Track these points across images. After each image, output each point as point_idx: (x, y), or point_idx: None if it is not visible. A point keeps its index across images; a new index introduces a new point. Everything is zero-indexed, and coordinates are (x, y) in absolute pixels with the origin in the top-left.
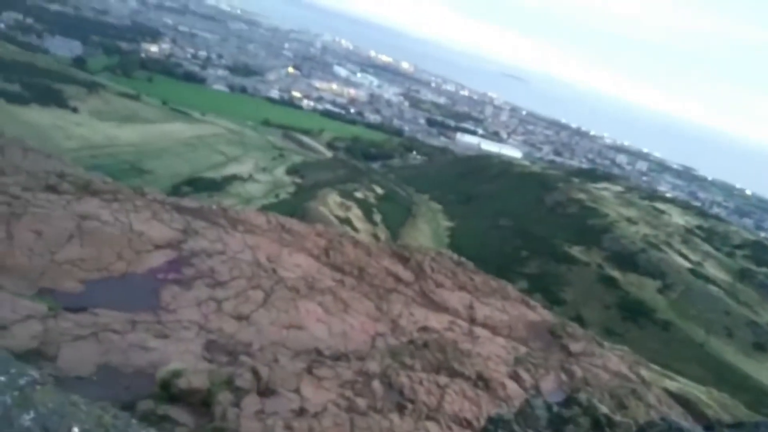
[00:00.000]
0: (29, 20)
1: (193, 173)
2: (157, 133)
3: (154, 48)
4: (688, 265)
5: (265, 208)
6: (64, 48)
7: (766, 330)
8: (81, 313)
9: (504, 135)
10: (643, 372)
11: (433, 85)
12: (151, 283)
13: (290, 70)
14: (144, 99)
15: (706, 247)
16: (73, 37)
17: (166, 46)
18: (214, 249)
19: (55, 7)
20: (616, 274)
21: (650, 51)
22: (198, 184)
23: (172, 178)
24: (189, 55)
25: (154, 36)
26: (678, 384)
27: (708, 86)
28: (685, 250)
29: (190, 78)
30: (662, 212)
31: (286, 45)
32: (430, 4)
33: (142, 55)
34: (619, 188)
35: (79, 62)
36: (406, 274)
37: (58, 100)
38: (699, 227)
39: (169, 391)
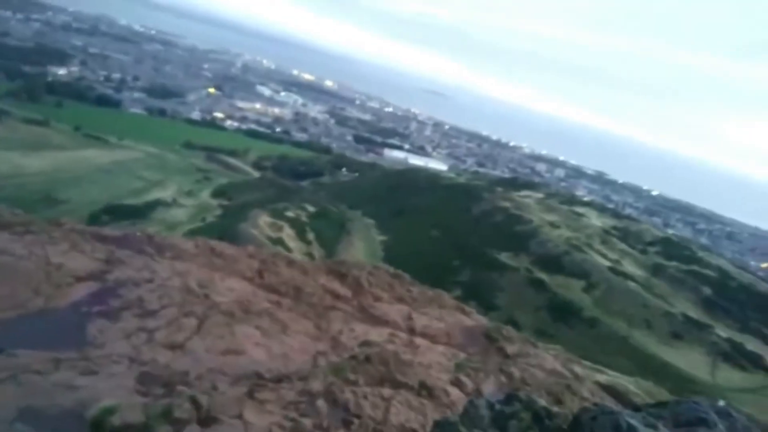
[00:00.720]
0: None
1: (113, 200)
2: (71, 161)
3: (62, 71)
4: (607, 263)
5: (192, 233)
6: None
7: (680, 320)
8: None
9: (429, 149)
10: (576, 368)
11: (357, 102)
12: (75, 318)
13: (211, 90)
14: (53, 125)
15: (623, 246)
16: None
17: (75, 68)
18: (141, 277)
19: None
20: (543, 276)
21: (563, 67)
22: (118, 212)
23: (90, 207)
24: (102, 78)
25: (62, 58)
26: (607, 376)
27: (614, 97)
28: (604, 250)
29: (103, 102)
30: (581, 215)
31: (206, 65)
32: (349, 24)
33: (49, 78)
34: (540, 195)
35: None
36: (344, 290)
37: None
38: (615, 228)
39: (102, 430)
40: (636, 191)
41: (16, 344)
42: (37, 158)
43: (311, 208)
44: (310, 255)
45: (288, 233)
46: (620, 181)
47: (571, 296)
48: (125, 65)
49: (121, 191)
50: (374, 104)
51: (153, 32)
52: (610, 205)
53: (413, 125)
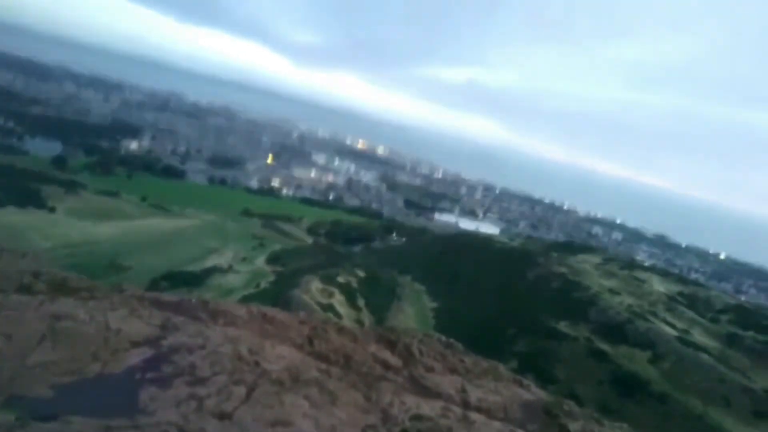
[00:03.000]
0: (10, 124)
1: (172, 267)
2: (136, 229)
3: (134, 145)
4: (675, 333)
5: (246, 299)
6: (44, 149)
7: (762, 396)
8: (51, 421)
9: (480, 213)
10: None
11: (408, 167)
12: (128, 384)
13: (269, 160)
14: (123, 196)
15: (691, 314)
16: (53, 137)
17: (146, 142)
18: (194, 344)
19: (36, 109)
20: (605, 347)
21: (614, 127)
22: (177, 278)
23: (151, 273)
24: (169, 151)
25: (135, 133)
26: None
27: (672, 158)
28: (670, 318)
29: (169, 172)
30: (643, 281)
31: (265, 136)
32: (402, 93)
33: (122, 152)
34: (598, 260)
35: (58, 162)
36: (394, 360)
37: (35, 201)
38: (680, 294)
39: None
40: (702, 255)
41: (71, 410)
42: (106, 227)
43: (362, 274)
44: (360, 321)
45: (338, 299)
46: (683, 244)
47: (637, 368)
48: (191, 138)
49: (181, 258)
50: (424, 169)
51: (217, 106)
52: (674, 270)
53: (463, 189)
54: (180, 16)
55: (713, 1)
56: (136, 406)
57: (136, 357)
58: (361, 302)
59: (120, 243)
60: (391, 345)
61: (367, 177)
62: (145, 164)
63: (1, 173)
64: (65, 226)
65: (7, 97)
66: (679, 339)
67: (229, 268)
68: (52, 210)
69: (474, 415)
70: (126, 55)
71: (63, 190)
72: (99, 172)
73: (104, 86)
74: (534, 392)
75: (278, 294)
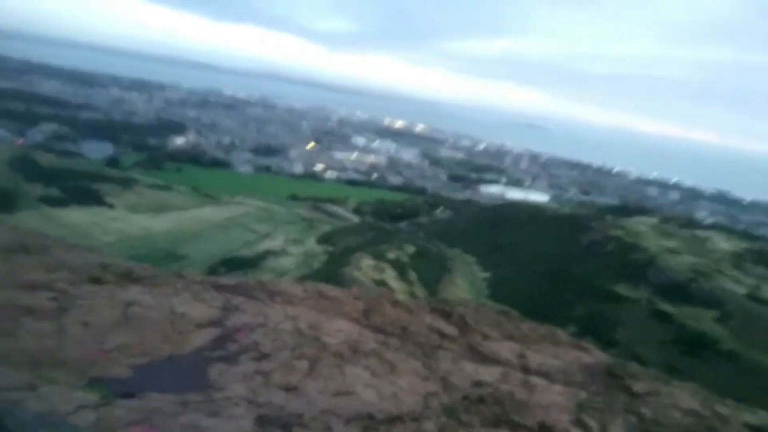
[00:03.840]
0: (65, 129)
1: (227, 254)
2: (190, 219)
3: (180, 140)
4: (743, 290)
5: (301, 279)
6: (97, 150)
7: None
8: (132, 399)
9: (527, 181)
10: (718, 407)
11: (449, 142)
12: (198, 363)
13: (310, 145)
14: (175, 188)
15: (760, 270)
16: (105, 139)
17: (190, 137)
18: (255, 322)
19: (87, 114)
20: (668, 307)
21: (660, 86)
22: (233, 263)
23: (208, 261)
24: (213, 143)
25: (179, 129)
26: (758, 417)
27: (721, 112)
28: (738, 276)
29: (216, 164)
30: (705, 239)
31: (304, 123)
32: (438, 68)
33: (169, 148)
34: (654, 220)
35: (111, 162)
36: (450, 329)
37: (95, 199)
38: (747, 250)
39: None
40: (767, 210)
41: (149, 388)
42: (162, 219)
43: (411, 249)
44: (413, 295)
45: (390, 274)
46: (746, 199)
47: (703, 328)
48: (233, 130)
49: (235, 244)
50: (466, 143)
51: (256, 98)
52: (739, 227)
53: (508, 159)
54: (216, 16)
55: None
56: (207, 382)
57: (202, 337)
58: (412, 276)
59: (176, 233)
60: (446, 315)
61: (409, 155)
62: (192, 158)
63: (62, 176)
64: (124, 220)
65: (59, 106)
66: (748, 296)
67: (282, 251)
68: (111, 206)
69: (534, 379)
70: (165, 57)
71: (119, 187)
72: (150, 168)
73: (147, 88)
74: (595, 355)
75: (331, 273)
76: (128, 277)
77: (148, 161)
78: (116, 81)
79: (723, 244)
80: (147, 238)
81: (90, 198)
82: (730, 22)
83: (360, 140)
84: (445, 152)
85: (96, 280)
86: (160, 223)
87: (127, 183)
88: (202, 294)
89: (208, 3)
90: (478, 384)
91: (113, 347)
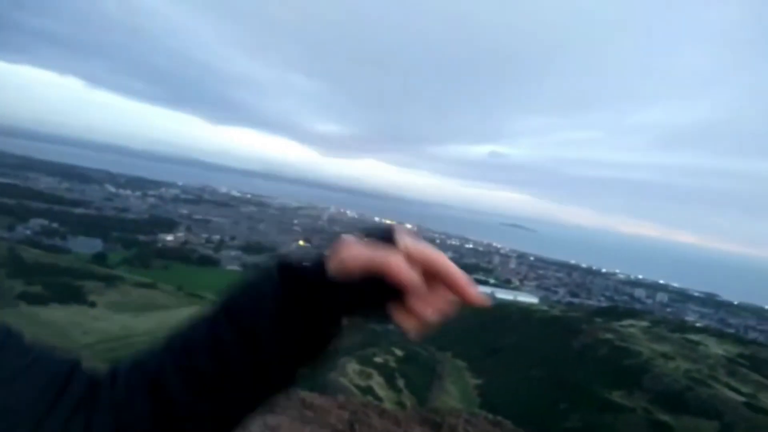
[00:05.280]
0: (54, 224)
1: None
2: (172, 319)
3: (170, 237)
4: (741, 399)
5: None
6: (85, 246)
7: None
8: None
9: (516, 282)
10: None
11: (437, 242)
12: None
13: (300, 243)
14: (159, 286)
15: (756, 376)
16: (94, 235)
17: (181, 234)
18: None
19: (79, 210)
20: (666, 418)
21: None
22: None
23: None
24: (203, 241)
25: (171, 226)
26: None
27: (705, 215)
28: (734, 383)
29: (204, 262)
30: (697, 343)
31: (296, 221)
32: (425, 171)
33: (159, 245)
34: (645, 323)
35: (99, 258)
36: None
37: (76, 297)
38: (741, 355)
39: None
40: (757, 312)
41: None
42: (144, 319)
43: (399, 352)
44: (401, 403)
45: (377, 380)
46: (736, 302)
47: None
48: (224, 227)
49: None
50: (455, 242)
51: (249, 196)
52: (729, 330)
53: (496, 259)
54: (215, 119)
55: (720, 68)
56: None
57: None
58: (400, 382)
59: (157, 333)
60: (437, 426)
61: None
62: (181, 255)
63: (45, 272)
64: (105, 320)
65: (52, 201)
66: (747, 405)
67: None
68: (93, 305)
69: None
70: (162, 156)
71: (103, 285)
72: (137, 265)
73: (142, 185)
74: None
75: (315, 378)
76: None
77: (135, 258)
78: (112, 178)
79: (716, 348)
80: (127, 338)
81: (72, 295)
82: (709, 130)
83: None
84: None
85: None
86: (141, 323)
87: (111, 280)
88: None
89: (209, 106)
90: None
91: None
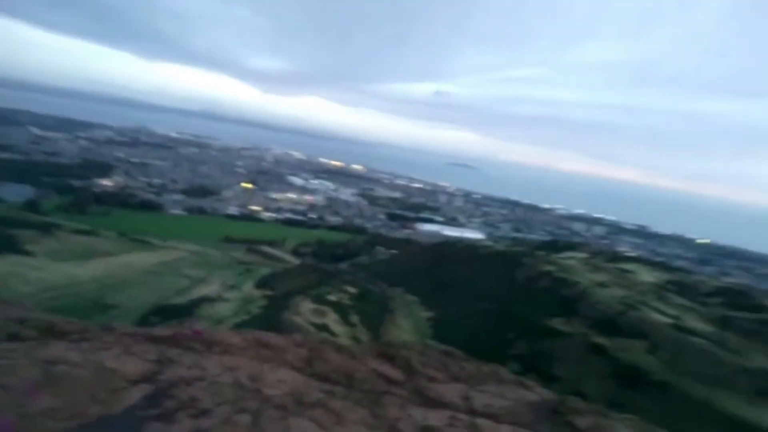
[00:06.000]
0: None
1: (160, 301)
2: (119, 266)
3: (107, 182)
4: (668, 320)
5: (238, 326)
6: (14, 194)
7: (761, 375)
8: None
9: (462, 219)
10: None
11: (386, 182)
12: (132, 423)
13: (246, 185)
14: (101, 233)
15: (681, 300)
16: (23, 181)
17: (119, 178)
18: (192, 376)
19: (3, 155)
20: (602, 340)
21: (584, 127)
22: (166, 312)
23: (139, 309)
24: (143, 185)
25: (107, 170)
26: None
27: (644, 152)
28: (662, 307)
29: (146, 207)
30: (630, 272)
31: (239, 162)
32: (371, 110)
33: (96, 190)
34: (583, 255)
35: (31, 205)
36: (396, 374)
37: (11, 247)
38: (669, 282)
39: None
40: (684, 242)
41: None
42: (87, 266)
43: (352, 290)
44: (356, 338)
45: (332, 318)
46: (665, 233)
47: (636, 359)
48: (164, 170)
49: (168, 291)
50: (402, 182)
51: (188, 137)
52: (659, 259)
53: (443, 198)
54: (147, 54)
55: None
56: None
57: (135, 394)
58: (354, 319)
59: (104, 281)
60: (391, 359)
61: (346, 194)
62: (121, 200)
63: None
64: (45, 269)
65: None
66: (673, 326)
67: (218, 297)
68: (30, 254)
69: (481, 421)
70: (91, 95)
71: (39, 233)
72: (73, 212)
73: (71, 127)
74: (539, 393)
75: (271, 318)
76: (51, 332)
77: (71, 205)
78: (37, 119)
79: (646, 276)
80: (71, 287)
81: (6, 245)
82: (647, 66)
83: (297, 180)
84: (382, 191)
85: (14, 337)
86: (85, 271)
87: (48, 228)
88: (134, 347)
89: (141, 41)
90: (426, 429)
91: (36, 412)
